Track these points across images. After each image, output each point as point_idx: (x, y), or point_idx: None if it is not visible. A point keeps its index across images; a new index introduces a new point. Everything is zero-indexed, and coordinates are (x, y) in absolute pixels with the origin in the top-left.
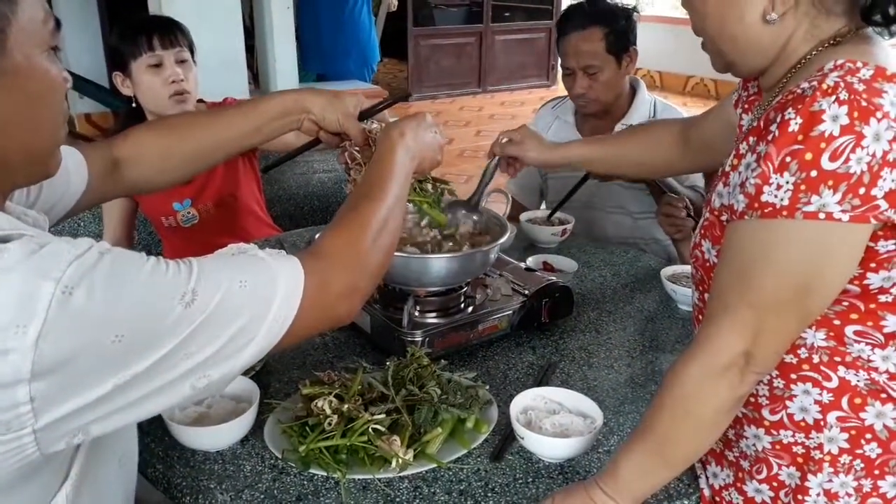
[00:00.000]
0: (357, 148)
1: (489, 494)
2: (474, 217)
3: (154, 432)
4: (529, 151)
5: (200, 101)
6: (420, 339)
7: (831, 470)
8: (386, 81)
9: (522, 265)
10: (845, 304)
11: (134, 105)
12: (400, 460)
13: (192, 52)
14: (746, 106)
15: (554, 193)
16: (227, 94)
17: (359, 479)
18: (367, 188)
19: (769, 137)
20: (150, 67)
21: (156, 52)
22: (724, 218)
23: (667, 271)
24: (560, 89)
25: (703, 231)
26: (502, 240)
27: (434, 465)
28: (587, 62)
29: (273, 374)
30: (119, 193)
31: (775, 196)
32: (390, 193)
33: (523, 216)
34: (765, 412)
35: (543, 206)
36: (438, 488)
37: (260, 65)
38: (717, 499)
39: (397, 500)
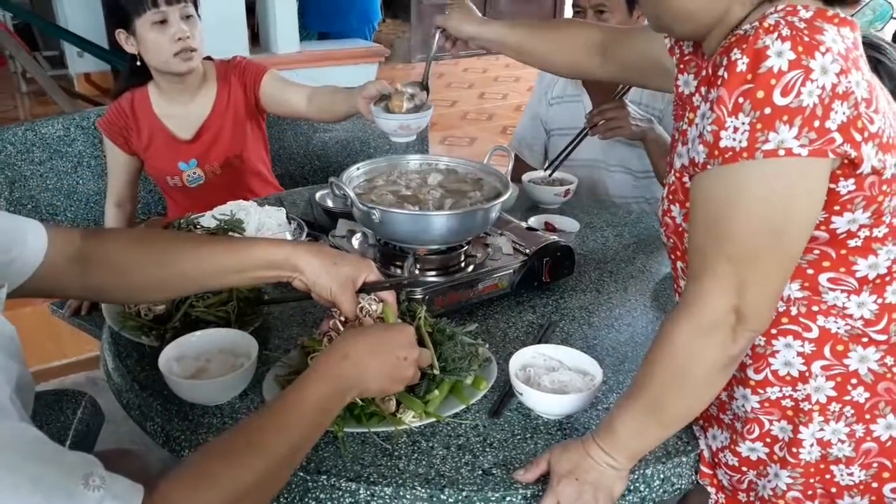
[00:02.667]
0: (343, 319)
1: (487, 449)
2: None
3: (153, 386)
4: (453, 20)
5: (208, 58)
6: (420, 297)
7: (821, 419)
8: (389, 41)
9: (524, 224)
10: (816, 252)
11: (139, 63)
12: (396, 417)
13: (195, 6)
14: (682, 66)
15: (557, 152)
16: (226, 53)
17: (357, 433)
18: (264, 426)
19: (719, 82)
20: (154, 24)
21: (160, 8)
22: (685, 179)
23: None
24: None
25: (669, 196)
26: (504, 198)
27: (433, 420)
28: (599, 0)
29: (272, 330)
30: (78, 291)
31: (733, 139)
32: (286, 443)
33: (525, 176)
34: (749, 371)
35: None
36: (437, 442)
37: (260, 23)
38: (716, 460)
39: (395, 454)
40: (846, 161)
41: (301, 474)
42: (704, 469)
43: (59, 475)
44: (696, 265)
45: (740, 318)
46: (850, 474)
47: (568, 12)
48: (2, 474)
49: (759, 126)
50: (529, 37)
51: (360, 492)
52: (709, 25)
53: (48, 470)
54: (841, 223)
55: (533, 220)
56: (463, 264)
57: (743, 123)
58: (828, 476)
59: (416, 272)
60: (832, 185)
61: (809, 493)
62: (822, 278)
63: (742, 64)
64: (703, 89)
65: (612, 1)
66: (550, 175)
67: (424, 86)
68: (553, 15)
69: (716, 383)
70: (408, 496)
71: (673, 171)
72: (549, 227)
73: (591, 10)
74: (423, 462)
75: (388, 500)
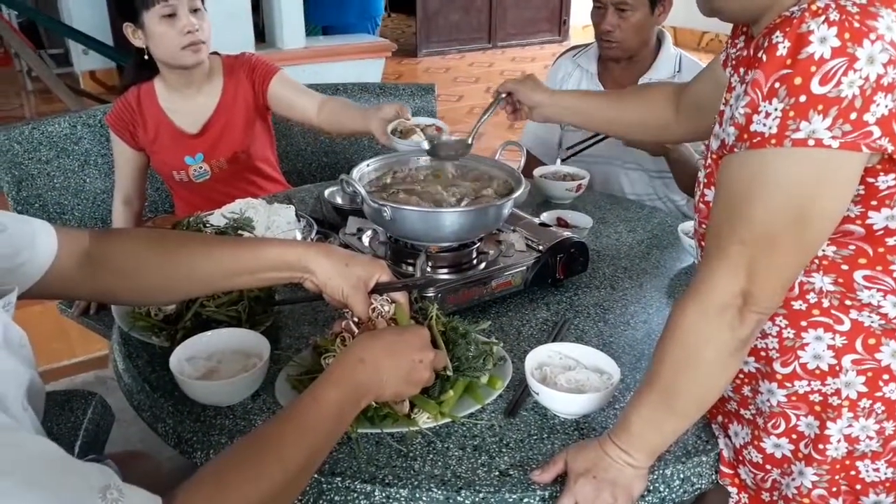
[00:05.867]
0: (356, 320)
1: (503, 450)
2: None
3: (164, 387)
4: (527, 90)
5: (215, 53)
6: (432, 295)
7: (851, 415)
8: (394, 37)
9: (536, 220)
10: (852, 247)
11: (146, 57)
12: (411, 419)
13: None
14: (735, 63)
15: (572, 146)
16: (231, 49)
17: (372, 434)
18: (280, 434)
19: (756, 64)
20: (163, 18)
21: (169, 1)
22: (721, 162)
23: (685, 226)
24: (573, 44)
25: (705, 181)
26: (516, 194)
27: (448, 420)
28: None
29: (283, 330)
30: (87, 292)
31: (764, 125)
32: (303, 451)
33: (537, 171)
34: (776, 365)
35: (559, 162)
36: (452, 443)
37: (266, 18)
38: (739, 457)
39: (410, 455)
40: (886, 156)
41: (315, 476)
42: (725, 469)
43: (76, 489)
44: (710, 246)
45: (747, 299)
46: (876, 470)
47: (574, 11)
48: (18, 490)
49: (791, 113)
50: (607, 104)
51: (376, 494)
52: (761, 7)
53: (65, 484)
54: (878, 219)
55: (545, 216)
56: (475, 261)
57: (776, 109)
58: (853, 472)
59: (428, 270)
60: (871, 180)
61: (834, 489)
62: (858, 275)
63: (783, 48)
64: (741, 70)
65: None
66: (565, 160)
67: (470, 143)
68: (559, 12)
69: (727, 368)
70: (424, 498)
71: (709, 154)
72: (562, 223)
73: (612, 6)
74: (439, 463)
75: (403, 502)
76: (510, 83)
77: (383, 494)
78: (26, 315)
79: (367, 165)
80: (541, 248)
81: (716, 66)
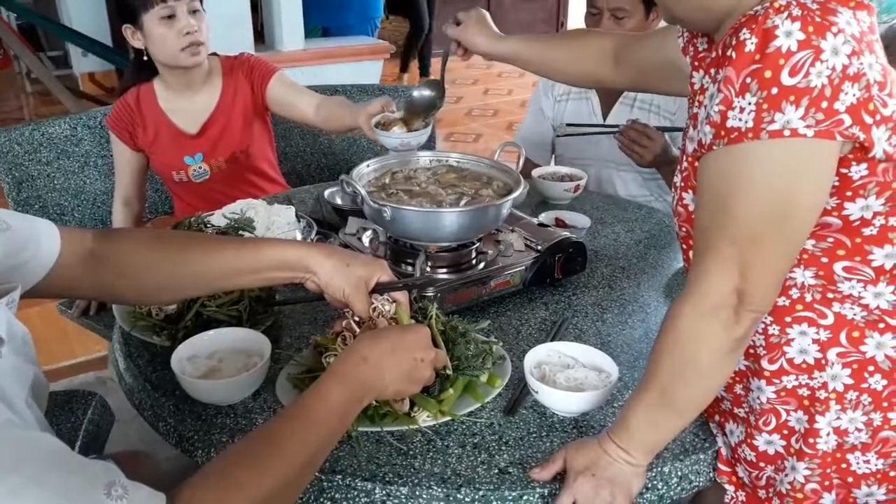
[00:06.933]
0: (357, 319)
1: (503, 448)
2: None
3: (165, 386)
4: (471, 36)
5: (214, 54)
6: (432, 294)
7: (838, 407)
8: (393, 39)
9: (535, 221)
10: (830, 240)
11: (145, 58)
12: (411, 417)
13: (201, 0)
14: (696, 63)
15: (563, 150)
16: (231, 50)
17: (372, 432)
18: (284, 432)
19: (726, 62)
20: (162, 19)
21: (168, 2)
22: (697, 164)
23: None
24: None
25: (682, 184)
26: (515, 194)
27: (448, 419)
28: (617, 4)
29: (284, 329)
30: (89, 292)
31: (739, 119)
32: (306, 449)
33: (535, 172)
34: (763, 362)
35: (553, 162)
36: (452, 441)
37: (265, 19)
38: (735, 455)
39: (410, 453)
40: (857, 145)
41: (316, 474)
42: (722, 467)
43: (82, 485)
44: (700, 247)
45: (742, 298)
46: (867, 462)
47: (572, 11)
48: (25, 486)
49: (765, 106)
50: (544, 49)
51: (376, 491)
52: (723, 13)
53: (71, 480)
54: (854, 209)
55: (544, 216)
56: (474, 261)
57: (749, 104)
58: (843, 465)
59: (428, 269)
60: (844, 170)
61: (826, 483)
62: (837, 267)
63: (750, 44)
64: (712, 71)
65: (631, 3)
66: (559, 136)
67: (441, 85)
68: (557, 13)
69: (723, 368)
70: (424, 496)
71: (685, 157)
72: (560, 224)
73: (608, 12)
74: (439, 461)
75: (404, 500)
76: (454, 31)
77: (383, 492)
78: (24, 316)
79: (367, 166)
80: (539, 248)
81: (667, 40)
